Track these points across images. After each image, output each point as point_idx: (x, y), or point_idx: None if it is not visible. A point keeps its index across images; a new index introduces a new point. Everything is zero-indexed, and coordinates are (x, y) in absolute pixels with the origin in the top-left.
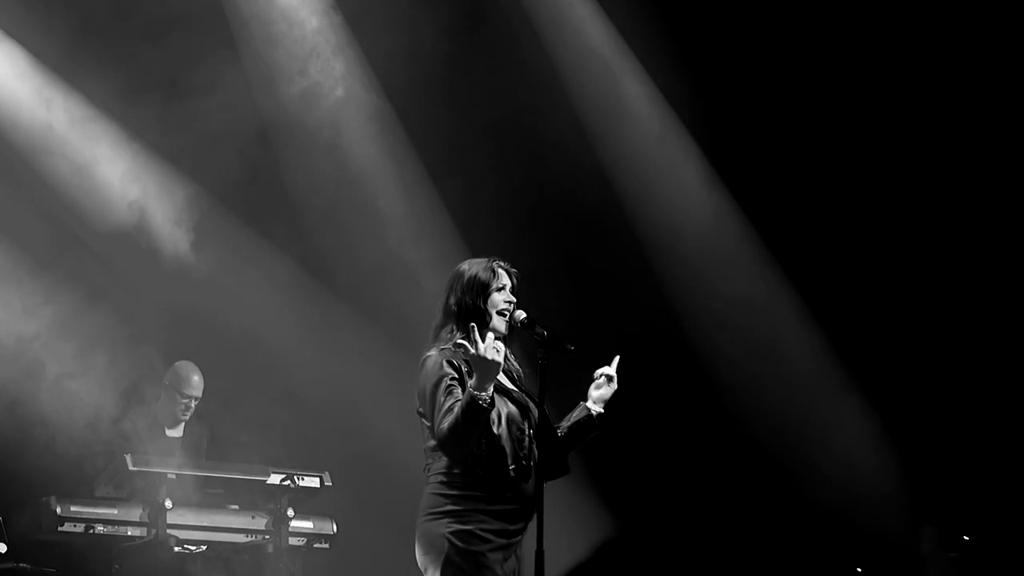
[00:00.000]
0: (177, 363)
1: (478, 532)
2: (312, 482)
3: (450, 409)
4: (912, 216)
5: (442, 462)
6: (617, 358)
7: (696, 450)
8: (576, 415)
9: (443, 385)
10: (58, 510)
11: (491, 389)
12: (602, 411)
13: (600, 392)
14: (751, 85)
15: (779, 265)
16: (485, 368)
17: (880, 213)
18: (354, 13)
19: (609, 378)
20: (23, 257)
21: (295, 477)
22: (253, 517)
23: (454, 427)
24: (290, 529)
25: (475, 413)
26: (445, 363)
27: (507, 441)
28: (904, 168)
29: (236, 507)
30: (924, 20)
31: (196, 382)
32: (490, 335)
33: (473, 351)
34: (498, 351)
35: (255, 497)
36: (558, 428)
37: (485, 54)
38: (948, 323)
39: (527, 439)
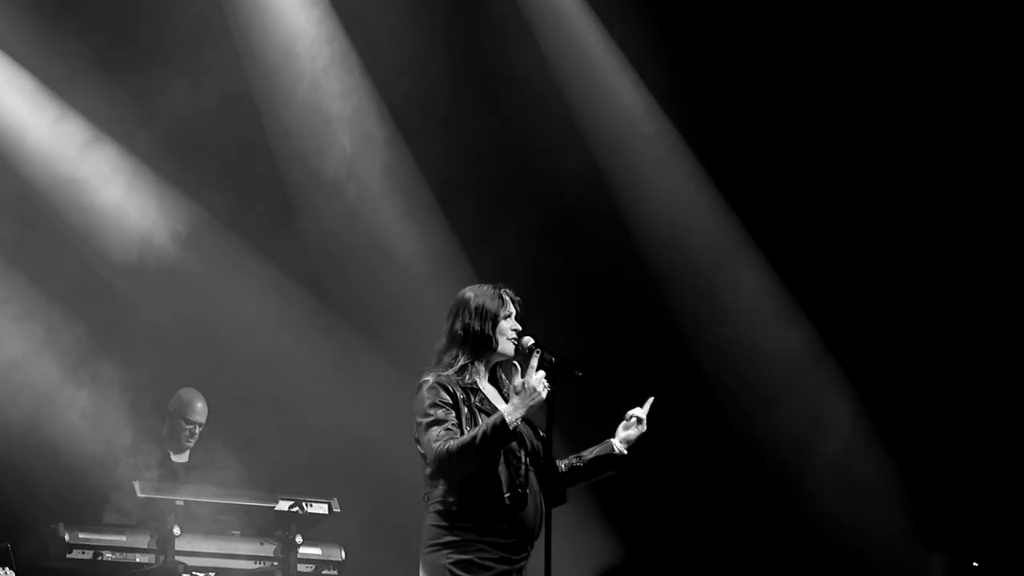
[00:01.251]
0: (181, 390)
1: (478, 560)
2: (320, 508)
3: (447, 431)
4: (921, 223)
5: (439, 490)
6: (651, 400)
7: (703, 475)
8: (599, 450)
9: (437, 409)
10: (66, 537)
11: (520, 419)
12: (626, 452)
13: (628, 433)
14: (748, 89)
15: (780, 276)
16: (528, 398)
17: (885, 215)
18: (352, 27)
19: (639, 420)
20: (23, 282)
21: (303, 504)
22: (262, 544)
23: (467, 446)
24: (298, 556)
25: (499, 437)
26: (439, 387)
27: (503, 469)
28: (908, 171)
29: (244, 534)
30: (912, 13)
31: (200, 409)
32: (540, 372)
33: (518, 380)
34: (545, 387)
35: (264, 524)
36: (578, 458)
37: (484, 67)
38: (960, 346)
39: (523, 467)
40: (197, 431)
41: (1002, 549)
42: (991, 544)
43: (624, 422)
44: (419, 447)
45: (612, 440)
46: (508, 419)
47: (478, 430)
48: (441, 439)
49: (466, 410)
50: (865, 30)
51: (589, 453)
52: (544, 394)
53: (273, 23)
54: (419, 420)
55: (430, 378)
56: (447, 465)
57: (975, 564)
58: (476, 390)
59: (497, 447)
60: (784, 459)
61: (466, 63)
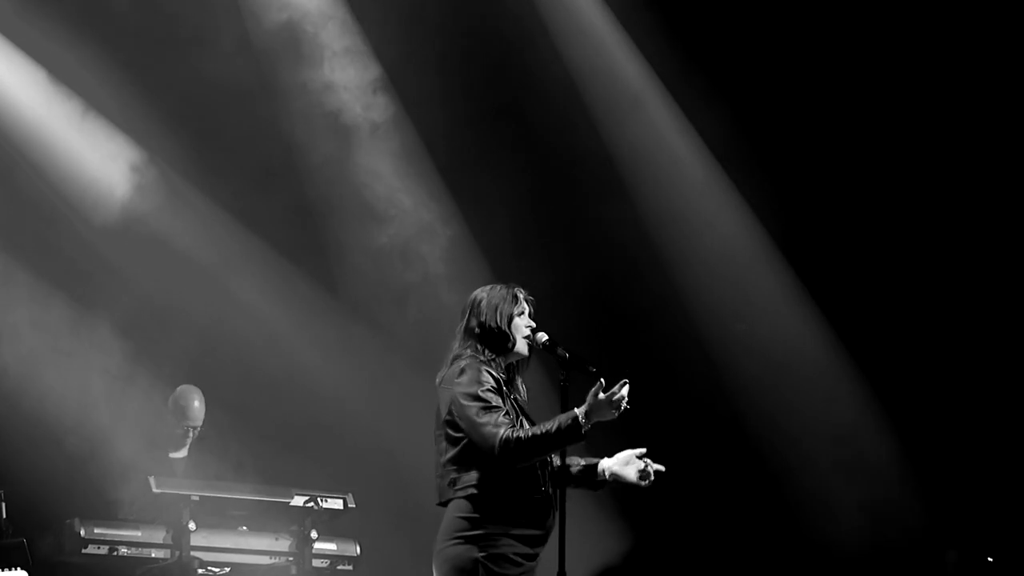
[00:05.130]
0: (178, 389)
1: (510, 556)
2: (335, 504)
3: (506, 418)
4: (950, 234)
5: (471, 475)
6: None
7: (714, 470)
8: (584, 469)
9: (491, 394)
10: (82, 532)
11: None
12: (608, 480)
13: (625, 471)
14: (770, 95)
15: (800, 278)
16: (605, 411)
17: (910, 224)
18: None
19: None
20: (36, 278)
21: (318, 499)
22: (277, 539)
23: (539, 438)
24: (313, 551)
25: (571, 436)
26: (488, 373)
27: (539, 464)
28: (936, 182)
29: (259, 529)
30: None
31: (197, 409)
32: (625, 388)
33: (603, 396)
34: (615, 413)
35: (279, 519)
36: (570, 466)
37: (504, 64)
38: (974, 342)
39: (549, 467)
40: (193, 433)
41: (1017, 546)
42: (1006, 541)
43: (630, 461)
44: (450, 430)
45: (603, 465)
46: (583, 425)
47: (551, 425)
48: (502, 425)
49: (504, 400)
50: (884, 29)
51: (575, 466)
52: (615, 415)
53: None
54: (470, 403)
55: (475, 362)
56: (512, 453)
57: (990, 559)
58: (509, 381)
59: (562, 445)
60: (795, 455)
61: (484, 59)
